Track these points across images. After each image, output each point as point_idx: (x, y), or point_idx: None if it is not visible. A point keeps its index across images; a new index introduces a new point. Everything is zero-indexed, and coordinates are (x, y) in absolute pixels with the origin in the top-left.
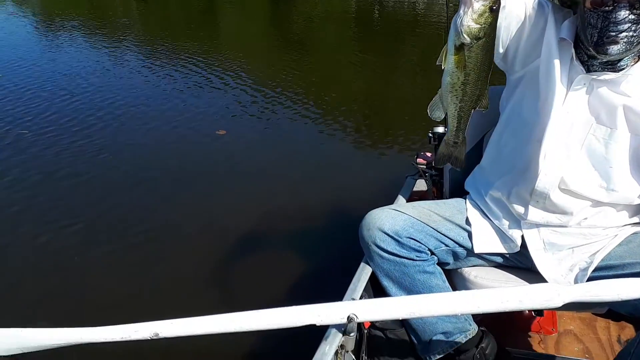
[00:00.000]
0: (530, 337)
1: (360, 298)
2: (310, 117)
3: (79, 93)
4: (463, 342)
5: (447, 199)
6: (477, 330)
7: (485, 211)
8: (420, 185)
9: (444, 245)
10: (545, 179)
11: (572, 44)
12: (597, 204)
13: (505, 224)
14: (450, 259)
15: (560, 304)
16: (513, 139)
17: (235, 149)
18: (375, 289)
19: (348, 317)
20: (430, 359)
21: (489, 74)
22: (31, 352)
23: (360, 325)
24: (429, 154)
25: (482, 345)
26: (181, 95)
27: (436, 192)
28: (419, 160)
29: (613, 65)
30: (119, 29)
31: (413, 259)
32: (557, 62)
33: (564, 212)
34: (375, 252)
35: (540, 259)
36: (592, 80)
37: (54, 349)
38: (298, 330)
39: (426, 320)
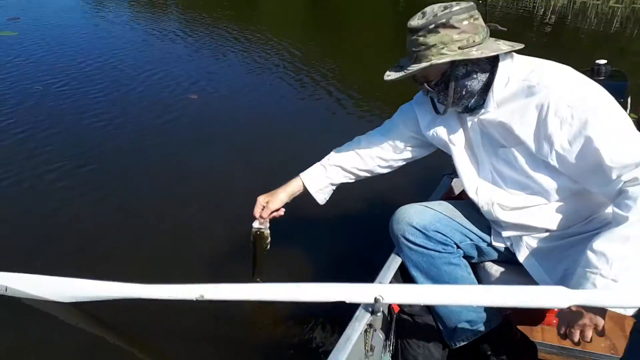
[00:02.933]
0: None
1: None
2: (337, 100)
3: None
4: (486, 331)
5: None
6: (500, 321)
7: None
8: (457, 184)
9: (468, 239)
10: (484, 209)
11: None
12: (548, 207)
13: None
14: (474, 253)
15: (566, 306)
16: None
17: (263, 123)
18: (405, 278)
19: (375, 298)
20: (455, 345)
21: (262, 253)
22: (86, 301)
23: (390, 309)
24: None
25: (508, 336)
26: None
27: None
28: None
29: (470, 110)
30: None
31: (439, 251)
32: (447, 122)
33: (525, 225)
34: (404, 244)
35: (530, 266)
36: (476, 119)
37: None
38: (330, 310)
39: (451, 309)
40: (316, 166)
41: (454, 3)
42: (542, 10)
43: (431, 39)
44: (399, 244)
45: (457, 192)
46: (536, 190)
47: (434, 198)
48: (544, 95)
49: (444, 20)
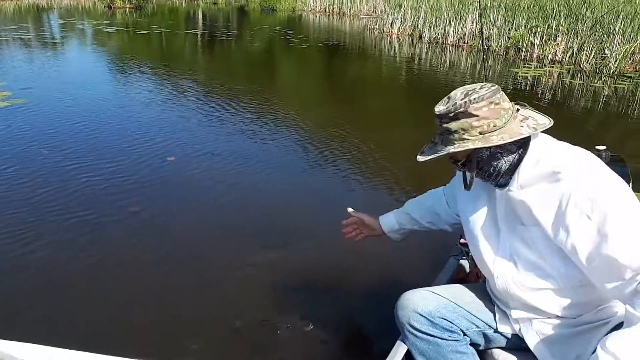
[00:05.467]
0: None
1: None
2: (346, 174)
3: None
4: None
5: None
6: None
7: None
8: (463, 265)
9: (475, 326)
10: (498, 280)
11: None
12: (558, 292)
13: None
14: (481, 340)
15: None
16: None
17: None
18: None
19: None
20: None
21: None
22: None
23: None
24: None
25: None
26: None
27: (479, 274)
28: (462, 240)
29: (501, 185)
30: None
31: (445, 339)
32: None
33: (534, 307)
34: (409, 332)
35: (539, 351)
36: (504, 194)
37: None
38: None
39: None
40: (392, 211)
41: (477, 87)
42: (537, 89)
43: (452, 125)
44: (404, 331)
45: (463, 274)
46: (547, 273)
47: (439, 280)
48: (567, 184)
49: (462, 109)
